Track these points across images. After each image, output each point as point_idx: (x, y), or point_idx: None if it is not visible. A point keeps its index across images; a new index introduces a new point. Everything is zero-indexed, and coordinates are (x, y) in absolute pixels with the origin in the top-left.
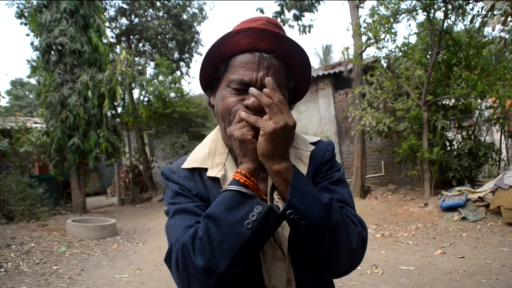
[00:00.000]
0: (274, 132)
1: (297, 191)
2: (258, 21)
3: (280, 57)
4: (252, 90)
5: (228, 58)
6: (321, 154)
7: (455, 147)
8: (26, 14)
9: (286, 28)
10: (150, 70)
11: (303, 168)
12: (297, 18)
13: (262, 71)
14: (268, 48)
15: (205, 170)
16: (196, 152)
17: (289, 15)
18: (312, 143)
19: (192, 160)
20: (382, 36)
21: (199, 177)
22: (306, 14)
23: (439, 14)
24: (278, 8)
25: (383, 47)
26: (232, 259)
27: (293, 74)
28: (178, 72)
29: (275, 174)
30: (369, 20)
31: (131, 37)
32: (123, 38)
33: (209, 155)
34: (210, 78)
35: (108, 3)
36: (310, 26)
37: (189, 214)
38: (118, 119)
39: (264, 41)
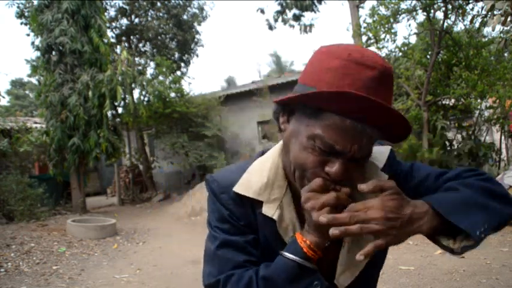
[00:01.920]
0: (388, 229)
1: (452, 210)
2: (371, 70)
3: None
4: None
5: (323, 107)
6: (398, 172)
7: (455, 147)
8: (26, 14)
9: (286, 28)
10: (150, 70)
11: None
12: (297, 18)
13: (357, 143)
14: (374, 123)
15: (258, 201)
16: (253, 178)
17: (289, 14)
18: (383, 167)
19: (247, 187)
20: (382, 36)
21: (250, 206)
22: (306, 13)
23: (439, 14)
24: (279, 8)
25: (383, 47)
26: None
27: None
28: (178, 72)
29: (429, 231)
30: (369, 20)
31: (131, 37)
32: (123, 38)
33: (267, 185)
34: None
35: (108, 4)
36: (311, 26)
37: (238, 250)
38: (118, 119)
39: (375, 114)
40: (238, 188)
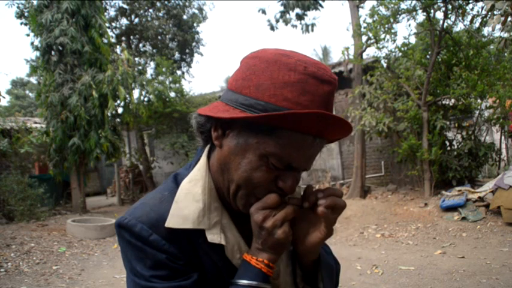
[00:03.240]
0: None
1: (325, 276)
2: (328, 85)
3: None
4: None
5: (284, 126)
6: None
7: (455, 147)
8: (26, 14)
9: (289, 28)
10: (150, 70)
11: None
12: (299, 17)
13: (313, 158)
14: (330, 136)
15: (196, 230)
16: (186, 207)
17: (291, 14)
18: None
19: (183, 219)
20: (382, 36)
21: (187, 238)
22: (309, 12)
23: (439, 14)
24: (281, 8)
25: (383, 47)
26: None
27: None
28: (179, 72)
29: (312, 254)
30: (369, 20)
31: (131, 37)
32: (123, 38)
33: (204, 211)
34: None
35: (108, 3)
36: (312, 25)
37: None
38: (118, 119)
39: (333, 128)
40: (172, 223)
